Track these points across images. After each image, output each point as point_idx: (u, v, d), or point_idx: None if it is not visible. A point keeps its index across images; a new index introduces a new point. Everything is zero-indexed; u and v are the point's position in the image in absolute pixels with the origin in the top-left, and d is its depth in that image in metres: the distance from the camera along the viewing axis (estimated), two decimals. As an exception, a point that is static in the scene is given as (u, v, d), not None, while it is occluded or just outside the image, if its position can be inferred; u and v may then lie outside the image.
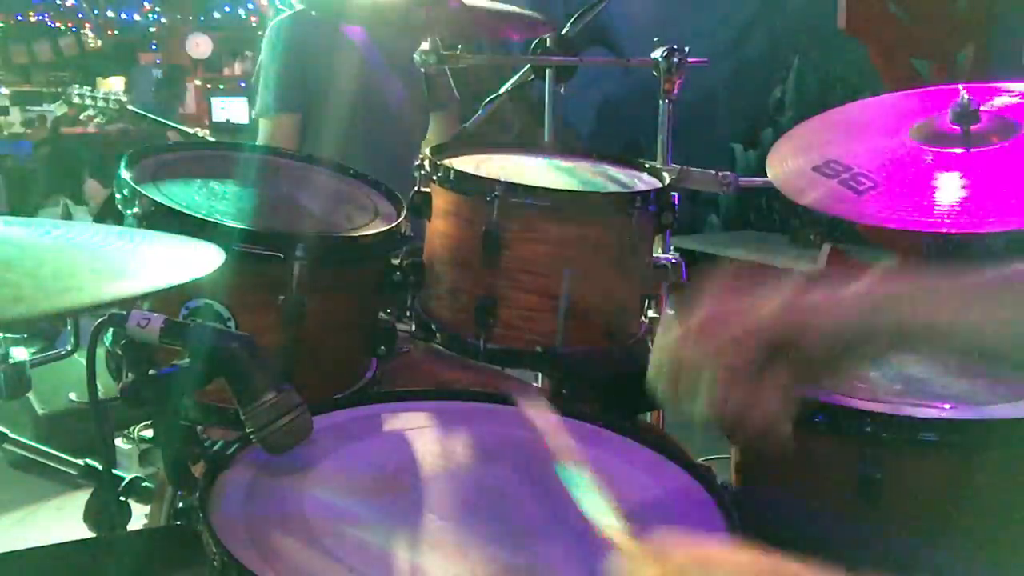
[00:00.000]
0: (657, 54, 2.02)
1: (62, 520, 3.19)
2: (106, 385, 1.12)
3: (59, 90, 9.29)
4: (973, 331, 0.89)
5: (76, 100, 3.38)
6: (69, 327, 2.17)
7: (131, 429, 3.14)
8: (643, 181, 1.68)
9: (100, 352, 1.19)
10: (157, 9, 9.91)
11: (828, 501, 1.26)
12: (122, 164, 1.39)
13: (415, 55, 2.05)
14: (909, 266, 0.94)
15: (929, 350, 0.94)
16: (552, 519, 0.95)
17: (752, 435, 0.90)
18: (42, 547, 1.12)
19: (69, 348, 2.11)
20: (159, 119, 3.69)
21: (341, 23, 2.71)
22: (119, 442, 3.15)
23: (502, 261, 1.48)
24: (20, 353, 1.72)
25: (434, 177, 1.55)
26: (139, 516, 1.55)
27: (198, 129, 3.52)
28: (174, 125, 3.61)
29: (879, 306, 0.89)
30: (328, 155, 2.57)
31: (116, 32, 10.09)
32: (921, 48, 3.61)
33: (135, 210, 1.32)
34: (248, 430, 0.98)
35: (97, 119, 3.43)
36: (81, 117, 3.59)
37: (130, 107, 3.45)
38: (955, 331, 0.89)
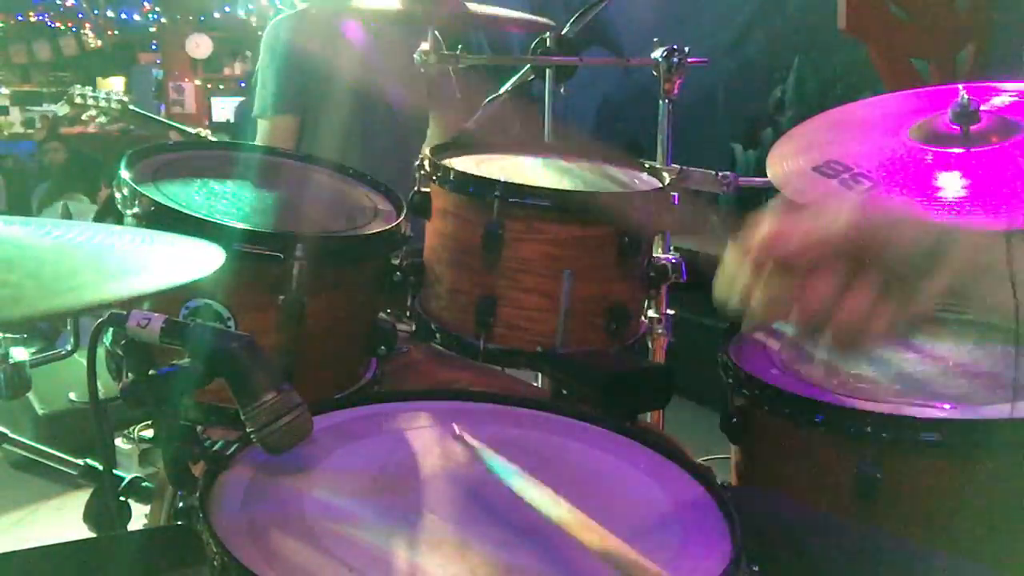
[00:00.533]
0: (657, 54, 2.02)
1: (62, 520, 3.19)
2: (106, 385, 1.12)
3: (58, 90, 9.30)
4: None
5: (78, 100, 3.38)
6: (69, 327, 2.17)
7: (131, 429, 3.14)
8: (643, 181, 1.68)
9: (100, 352, 1.19)
10: (157, 9, 9.90)
11: (828, 501, 1.27)
12: (122, 164, 1.39)
13: (415, 55, 2.05)
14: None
15: (978, 303, 0.87)
16: (551, 519, 0.95)
17: (847, 346, 0.83)
18: (42, 547, 1.11)
19: (69, 348, 2.11)
20: (160, 119, 3.70)
21: (340, 20, 2.71)
22: (119, 442, 3.15)
23: (502, 261, 1.48)
24: (20, 353, 1.72)
25: (434, 177, 1.55)
26: (139, 516, 1.55)
27: (200, 129, 3.51)
28: (175, 125, 3.61)
29: (948, 240, 0.84)
30: (328, 154, 2.58)
31: (116, 32, 10.08)
32: (921, 48, 3.60)
33: (135, 210, 1.32)
34: (248, 430, 0.98)
35: (99, 119, 3.42)
36: (83, 117, 3.58)
37: (131, 107, 3.45)
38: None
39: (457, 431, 1.10)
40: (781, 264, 0.84)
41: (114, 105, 3.37)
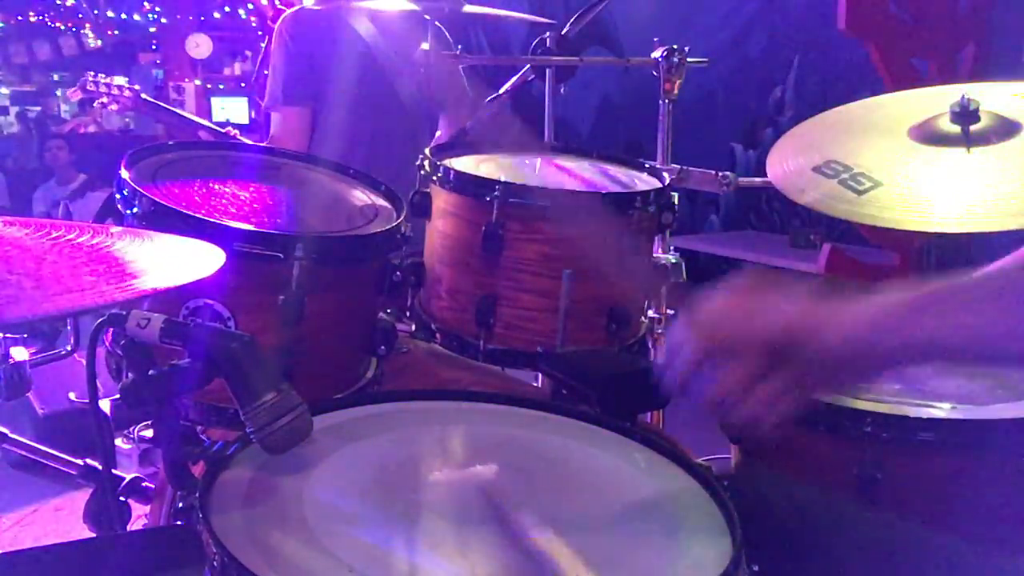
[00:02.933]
0: (657, 54, 2.02)
1: (62, 520, 3.20)
2: (106, 385, 1.12)
3: (59, 91, 9.29)
4: (981, 340, 0.88)
5: (91, 87, 3.36)
6: (69, 327, 2.17)
7: (131, 429, 3.14)
8: (643, 181, 1.68)
9: (100, 352, 1.19)
10: (157, 9, 9.89)
11: (828, 501, 1.26)
12: (122, 164, 1.39)
13: (415, 54, 2.05)
14: (911, 273, 0.93)
15: (936, 363, 0.94)
16: (551, 519, 0.95)
17: (747, 429, 0.91)
18: (42, 547, 1.11)
19: (69, 348, 2.11)
20: (172, 108, 3.68)
21: (348, 14, 2.72)
22: (119, 442, 3.15)
23: (502, 261, 1.48)
24: (20, 353, 1.72)
25: (434, 177, 1.55)
26: (139, 516, 1.55)
27: (229, 128, 3.48)
28: (183, 113, 3.60)
29: (884, 321, 0.89)
30: (336, 149, 2.58)
31: (116, 32, 10.08)
32: (921, 48, 3.60)
33: (135, 210, 1.32)
34: (248, 430, 0.98)
35: (111, 106, 3.40)
36: (95, 104, 3.56)
37: (143, 96, 3.43)
38: (962, 344, 0.87)
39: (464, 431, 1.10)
40: (711, 346, 0.93)
41: (127, 94, 3.36)
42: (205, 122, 3.41)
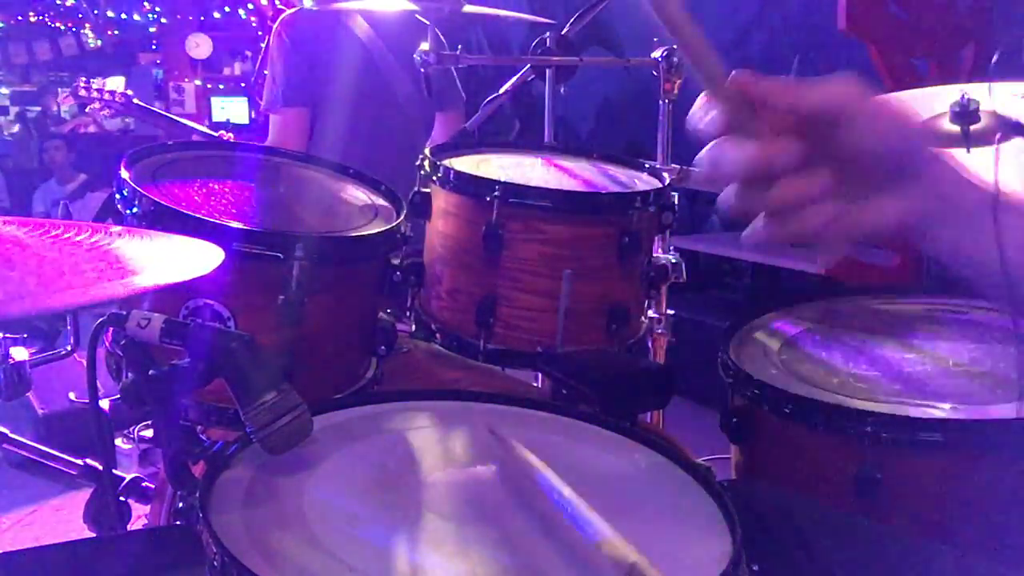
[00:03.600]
0: (657, 54, 2.02)
1: (62, 520, 3.20)
2: (106, 385, 1.12)
3: (60, 89, 9.30)
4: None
5: (83, 92, 3.37)
6: (69, 327, 2.17)
7: (131, 429, 3.14)
8: (643, 181, 1.68)
9: (100, 352, 1.19)
10: (157, 9, 9.89)
11: (828, 501, 1.26)
12: (122, 164, 1.39)
13: (415, 55, 2.06)
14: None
15: (944, 236, 0.77)
16: (551, 519, 0.95)
17: (782, 204, 0.77)
18: (42, 547, 1.12)
19: (69, 348, 2.11)
20: (162, 112, 3.70)
21: (346, 15, 2.73)
22: (119, 442, 3.16)
23: (502, 261, 1.48)
24: (20, 353, 1.72)
25: (434, 177, 1.55)
26: (139, 516, 1.55)
27: (222, 131, 3.50)
28: (176, 118, 3.61)
29: (926, 150, 0.78)
30: (334, 149, 2.58)
31: (116, 32, 10.08)
32: (921, 48, 3.60)
33: (135, 210, 1.32)
34: (248, 430, 0.98)
35: (103, 111, 3.42)
36: (87, 110, 3.58)
37: (136, 101, 3.45)
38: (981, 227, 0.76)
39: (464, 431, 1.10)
40: (749, 112, 0.78)
41: (119, 99, 3.37)
42: (198, 126, 3.42)
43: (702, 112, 0.80)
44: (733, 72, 0.79)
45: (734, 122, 0.77)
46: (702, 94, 0.80)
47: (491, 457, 1.06)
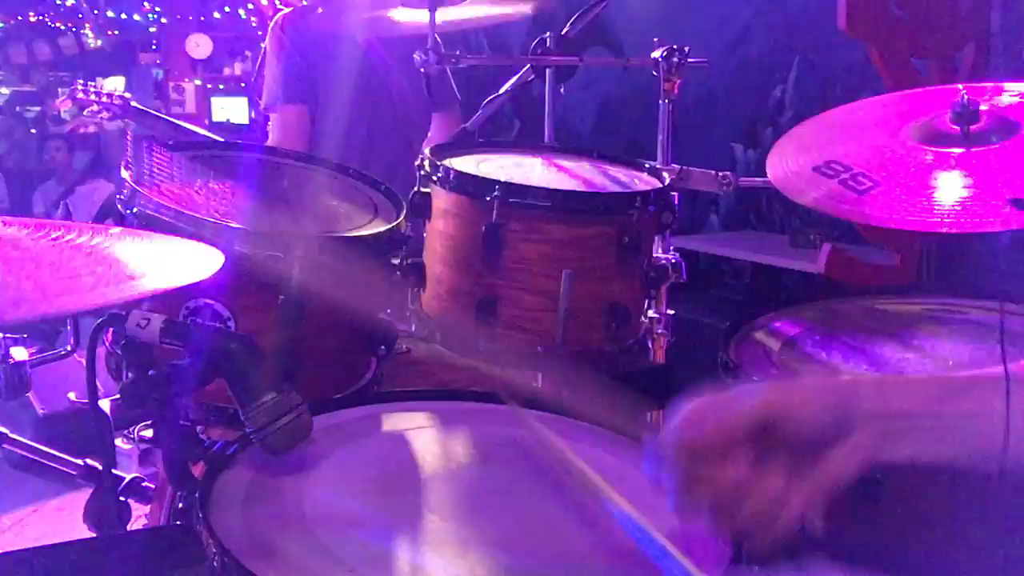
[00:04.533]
0: (657, 54, 2.01)
1: (62, 520, 3.20)
2: (106, 385, 1.12)
3: (60, 89, 9.30)
4: (961, 424, 0.84)
5: (80, 95, 3.38)
6: (69, 327, 2.17)
7: (131, 429, 3.14)
8: (643, 181, 1.68)
9: (100, 352, 1.19)
10: (157, 9, 9.89)
11: (828, 501, 1.26)
12: (122, 164, 1.39)
13: (414, 55, 2.06)
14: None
15: (914, 447, 0.84)
16: (552, 519, 0.95)
17: (759, 518, 0.82)
18: (42, 547, 1.11)
19: (69, 348, 2.11)
20: (159, 114, 3.70)
21: (344, 14, 2.73)
22: (119, 442, 3.15)
23: (502, 261, 1.48)
24: (20, 353, 1.72)
25: (434, 177, 1.55)
26: (139, 516, 1.55)
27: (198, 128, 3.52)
28: (174, 120, 3.61)
29: (854, 394, 0.84)
30: (331, 149, 2.59)
31: (116, 32, 10.07)
32: (921, 48, 3.60)
33: (135, 210, 1.32)
34: (248, 430, 0.98)
35: (101, 114, 3.43)
36: (85, 113, 3.58)
37: (133, 104, 3.45)
38: (941, 423, 0.84)
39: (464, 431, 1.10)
40: (695, 456, 0.84)
41: (117, 101, 3.38)
42: (198, 129, 3.43)
43: (652, 471, 0.88)
44: (660, 439, 0.86)
45: (683, 477, 0.84)
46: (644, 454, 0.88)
47: (491, 457, 1.06)
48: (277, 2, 3.50)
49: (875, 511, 1.20)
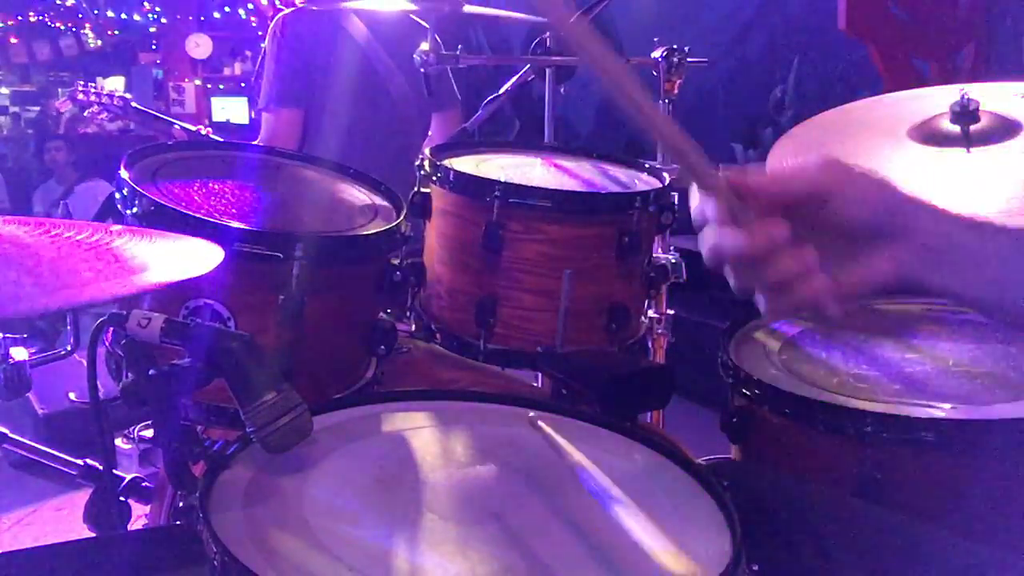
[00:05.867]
0: (657, 54, 2.02)
1: (62, 520, 3.20)
2: (106, 385, 1.12)
3: (61, 89, 9.30)
4: (989, 267, 0.82)
5: (80, 96, 3.38)
6: (69, 327, 2.17)
7: (131, 429, 3.14)
8: (643, 181, 1.68)
9: (100, 352, 1.19)
10: (157, 9, 9.90)
11: (828, 500, 1.26)
12: (122, 164, 1.39)
13: (414, 55, 2.06)
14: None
15: (945, 278, 0.82)
16: (551, 519, 0.95)
17: (777, 283, 0.82)
18: (42, 547, 1.11)
19: (69, 348, 2.11)
20: (162, 116, 3.70)
21: (343, 15, 2.73)
22: (119, 442, 3.15)
23: (502, 261, 1.48)
24: (20, 353, 1.72)
25: (434, 177, 1.55)
26: (139, 516, 1.55)
27: (200, 127, 3.51)
28: (178, 122, 3.61)
29: (909, 209, 0.83)
30: (330, 149, 2.59)
31: (116, 32, 10.08)
32: (921, 48, 3.60)
33: (135, 210, 1.32)
34: (248, 430, 0.98)
35: (101, 115, 3.43)
36: (85, 114, 3.58)
37: (134, 104, 3.45)
38: (970, 260, 0.82)
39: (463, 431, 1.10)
40: (743, 199, 0.83)
41: (117, 102, 3.38)
42: (196, 128, 3.43)
43: (698, 206, 0.86)
44: (721, 170, 0.85)
45: (727, 212, 0.84)
46: (693, 188, 0.87)
47: (491, 457, 1.05)
48: (277, 2, 3.50)
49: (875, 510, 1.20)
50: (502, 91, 2.31)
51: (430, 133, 2.94)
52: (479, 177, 1.51)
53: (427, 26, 2.04)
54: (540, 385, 1.83)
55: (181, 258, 0.99)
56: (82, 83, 3.47)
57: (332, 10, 2.73)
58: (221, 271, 0.97)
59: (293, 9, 2.81)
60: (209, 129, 3.34)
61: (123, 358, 1.04)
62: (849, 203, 0.83)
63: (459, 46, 2.18)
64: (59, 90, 9.73)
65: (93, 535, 1.31)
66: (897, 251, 0.82)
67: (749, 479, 1.35)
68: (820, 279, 0.82)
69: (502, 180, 1.48)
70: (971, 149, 1.41)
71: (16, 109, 9.90)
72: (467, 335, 1.53)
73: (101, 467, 1.41)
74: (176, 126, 3.36)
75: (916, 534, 1.09)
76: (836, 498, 1.20)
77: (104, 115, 3.44)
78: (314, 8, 2.79)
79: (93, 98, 3.40)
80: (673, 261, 1.74)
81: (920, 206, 0.85)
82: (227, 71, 9.67)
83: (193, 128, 3.46)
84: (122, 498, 1.37)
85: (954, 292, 0.84)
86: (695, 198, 0.87)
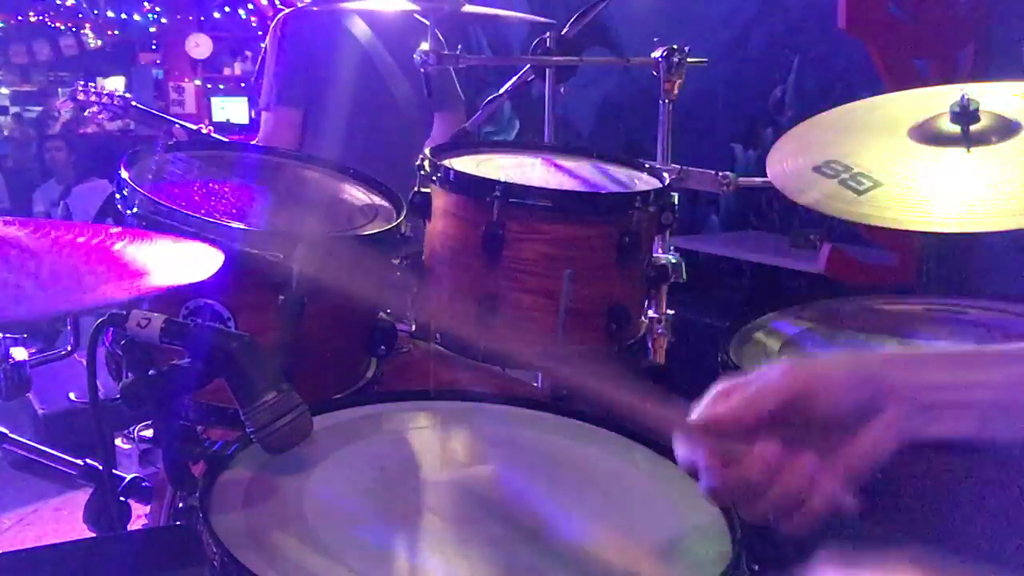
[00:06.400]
0: (657, 54, 2.01)
1: (62, 520, 3.20)
2: (106, 385, 1.12)
3: (61, 89, 9.29)
4: (983, 396, 0.83)
5: (81, 96, 3.38)
6: (69, 327, 2.17)
7: (131, 429, 3.14)
8: (643, 181, 1.68)
9: (100, 352, 1.18)
10: (157, 9, 9.90)
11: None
12: (122, 164, 1.39)
13: (415, 55, 2.06)
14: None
15: (946, 423, 0.83)
16: (551, 519, 0.95)
17: (789, 500, 0.80)
18: (42, 547, 1.11)
19: (69, 348, 2.11)
20: (163, 115, 3.71)
21: (344, 15, 2.73)
22: (119, 442, 3.16)
23: (502, 261, 1.48)
24: (20, 353, 1.72)
25: (434, 177, 1.55)
26: (139, 516, 1.55)
27: (202, 126, 3.52)
28: (178, 121, 3.61)
29: (884, 370, 0.83)
30: (331, 149, 2.59)
31: (116, 32, 10.09)
32: (921, 48, 3.60)
33: (135, 210, 1.32)
34: (248, 430, 0.98)
35: (101, 115, 3.43)
36: (86, 113, 3.59)
37: (134, 104, 3.46)
38: (971, 397, 0.82)
39: (464, 431, 1.10)
40: (723, 436, 0.83)
41: (117, 102, 3.38)
42: (195, 126, 3.43)
43: (683, 455, 0.86)
44: (688, 420, 0.85)
45: (713, 453, 0.83)
46: (675, 438, 0.87)
47: (491, 457, 1.06)
48: (277, 2, 3.50)
49: (875, 512, 1.20)
50: (502, 91, 2.30)
51: (433, 133, 2.93)
52: (479, 177, 1.51)
53: (428, 24, 2.04)
54: (540, 385, 1.83)
55: (181, 260, 0.99)
56: (82, 83, 3.47)
57: (333, 10, 2.73)
58: (221, 271, 0.97)
59: (294, 9, 2.81)
60: (211, 128, 3.35)
61: (123, 358, 1.04)
62: (823, 403, 0.82)
63: (459, 46, 2.18)
64: (59, 90, 9.72)
65: (93, 535, 1.31)
66: (890, 418, 0.81)
67: None
68: (827, 481, 0.80)
69: (502, 180, 1.48)
70: (971, 149, 1.41)
71: (16, 109, 9.90)
72: (467, 335, 1.53)
73: (101, 467, 1.41)
74: (176, 125, 3.36)
75: (920, 539, 1.09)
76: (835, 519, 1.20)
77: (104, 115, 3.44)
78: (315, 8, 2.79)
79: (93, 98, 3.40)
80: (673, 261, 1.74)
81: (895, 365, 0.84)
82: (227, 71, 9.67)
83: (194, 127, 3.46)
84: (122, 498, 1.37)
85: (967, 433, 0.84)
86: (679, 448, 0.86)
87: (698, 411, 0.85)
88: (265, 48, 2.85)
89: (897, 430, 0.82)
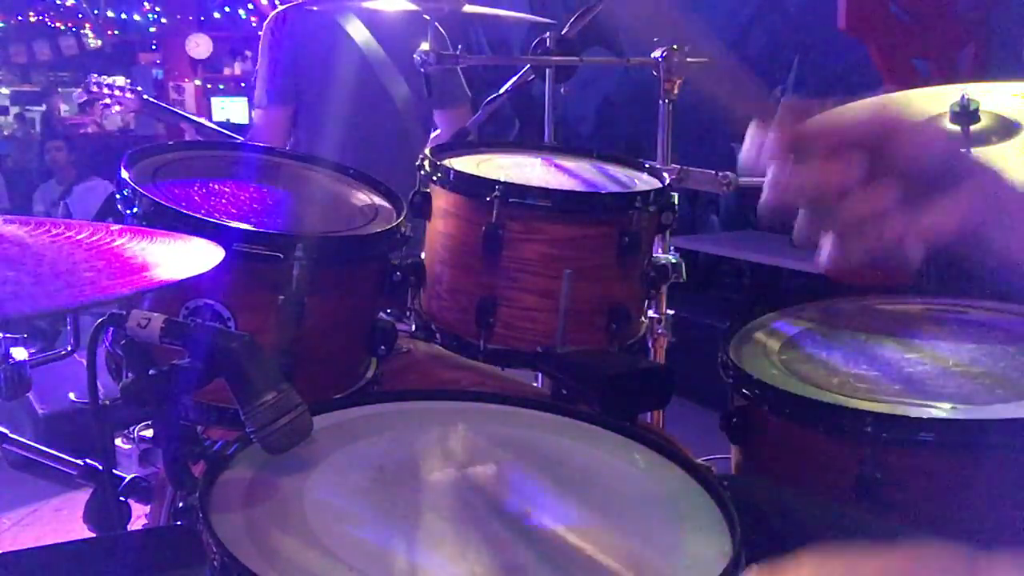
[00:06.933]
0: (657, 54, 2.02)
1: (62, 520, 3.20)
2: (106, 385, 1.12)
3: (60, 89, 9.29)
4: None
5: (94, 88, 3.38)
6: (69, 327, 2.17)
7: (131, 429, 3.14)
8: (643, 181, 1.68)
9: (100, 352, 1.19)
10: (157, 9, 9.91)
11: (828, 501, 1.26)
12: (122, 164, 1.39)
13: (415, 55, 2.06)
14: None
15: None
16: (551, 519, 0.95)
17: (855, 221, 0.75)
18: (42, 547, 1.12)
19: (69, 348, 2.11)
20: (175, 110, 3.71)
21: (340, 13, 2.72)
22: (119, 442, 3.16)
23: (502, 261, 1.48)
24: (20, 353, 1.72)
25: (434, 177, 1.55)
26: (139, 516, 1.55)
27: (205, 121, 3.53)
28: (185, 114, 3.62)
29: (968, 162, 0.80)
30: (329, 149, 2.59)
31: (116, 32, 10.09)
32: (921, 48, 3.60)
33: (135, 210, 1.32)
34: (248, 430, 0.98)
35: (114, 107, 3.43)
36: (98, 106, 3.58)
37: (146, 97, 3.46)
38: None
39: (464, 431, 1.10)
40: (805, 144, 0.78)
41: (129, 95, 3.39)
42: (208, 123, 3.44)
43: (754, 143, 0.80)
44: (782, 102, 0.80)
45: (791, 148, 0.78)
46: (750, 127, 0.81)
47: (491, 457, 1.06)
48: (277, 2, 3.50)
49: (875, 511, 1.20)
50: (502, 91, 2.30)
51: (438, 131, 2.92)
52: (479, 177, 1.51)
53: (429, 19, 2.04)
54: (540, 385, 1.84)
55: (181, 258, 0.99)
56: (95, 75, 3.47)
57: (328, 8, 2.72)
58: (221, 271, 0.97)
59: (288, 6, 2.80)
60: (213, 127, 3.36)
61: (123, 358, 1.04)
62: (907, 142, 0.77)
63: (459, 46, 2.18)
64: (58, 90, 9.73)
65: (93, 535, 1.31)
66: (962, 197, 0.76)
67: (749, 485, 1.35)
68: (897, 219, 0.75)
69: (502, 180, 1.48)
70: (971, 149, 1.41)
71: (17, 109, 9.90)
72: (467, 335, 1.53)
73: (101, 467, 1.41)
74: (185, 119, 3.37)
75: (919, 539, 1.09)
76: (838, 503, 1.20)
77: (117, 108, 3.44)
78: (312, 8, 2.78)
79: (106, 91, 3.40)
80: (673, 261, 1.74)
81: (978, 160, 0.81)
82: (227, 71, 9.68)
83: (201, 120, 3.47)
84: (122, 498, 1.37)
85: (1012, 256, 0.78)
86: (750, 136, 0.80)
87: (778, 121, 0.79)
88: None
89: (966, 215, 0.76)
